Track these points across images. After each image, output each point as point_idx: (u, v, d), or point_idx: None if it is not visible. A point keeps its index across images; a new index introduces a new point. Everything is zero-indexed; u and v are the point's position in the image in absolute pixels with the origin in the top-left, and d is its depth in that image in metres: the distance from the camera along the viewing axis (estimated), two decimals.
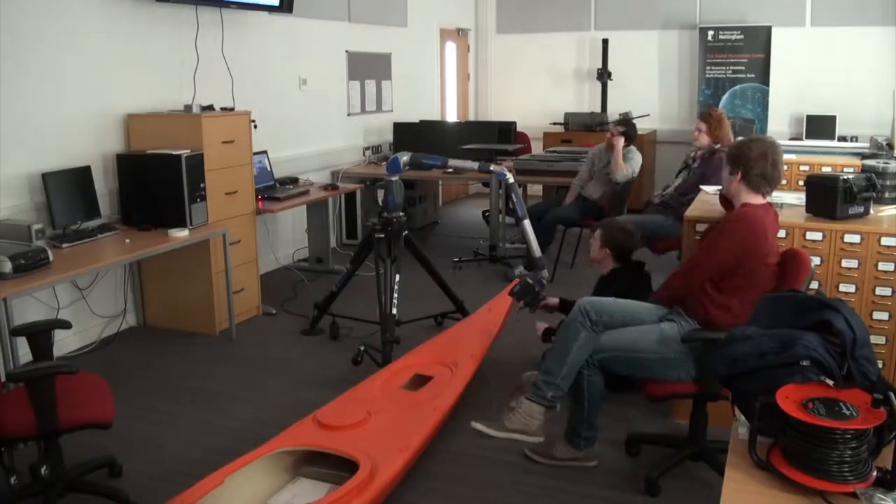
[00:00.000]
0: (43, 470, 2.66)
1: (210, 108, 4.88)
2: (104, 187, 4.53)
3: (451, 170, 6.67)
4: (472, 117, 9.67)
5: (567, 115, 8.66)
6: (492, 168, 4.58)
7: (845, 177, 3.28)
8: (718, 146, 4.94)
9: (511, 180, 4.49)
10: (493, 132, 7.00)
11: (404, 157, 4.40)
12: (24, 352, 3.19)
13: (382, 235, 4.38)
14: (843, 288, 3.25)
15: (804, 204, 3.44)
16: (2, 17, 3.91)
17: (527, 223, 4.41)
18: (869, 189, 3.29)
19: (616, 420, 3.46)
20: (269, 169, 5.65)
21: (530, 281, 3.86)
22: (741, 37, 8.14)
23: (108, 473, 3.07)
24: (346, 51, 6.97)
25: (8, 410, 2.57)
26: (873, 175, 3.38)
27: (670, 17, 8.63)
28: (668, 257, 5.21)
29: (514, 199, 4.45)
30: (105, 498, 2.83)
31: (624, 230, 3.90)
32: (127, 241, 4.11)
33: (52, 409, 2.52)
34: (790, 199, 3.69)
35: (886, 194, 3.56)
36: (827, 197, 3.29)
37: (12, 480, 2.66)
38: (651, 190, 8.90)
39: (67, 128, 4.33)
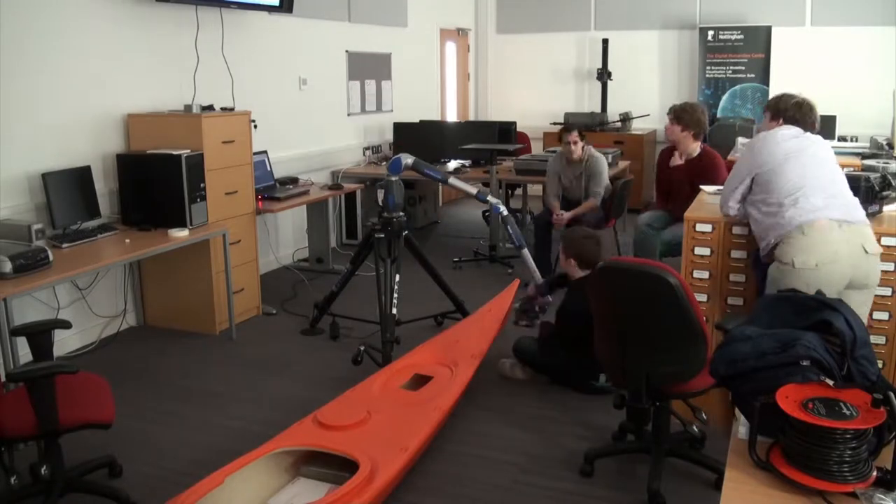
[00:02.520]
0: (43, 470, 2.66)
1: (210, 108, 4.88)
2: (104, 187, 4.54)
3: (452, 170, 6.73)
4: (472, 117, 9.67)
5: (567, 115, 8.65)
6: (489, 199, 4.57)
7: (867, 175, 3.28)
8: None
9: (505, 213, 4.51)
10: (493, 132, 7.00)
11: (408, 160, 4.38)
12: (24, 352, 3.19)
13: (382, 235, 4.38)
14: None
15: None
16: (2, 17, 3.91)
17: (525, 252, 4.45)
18: (886, 188, 3.30)
19: (613, 414, 3.46)
20: (269, 169, 5.65)
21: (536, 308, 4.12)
22: (741, 37, 8.14)
23: (108, 473, 3.07)
24: (346, 51, 6.97)
25: (8, 410, 2.57)
26: (888, 175, 3.38)
27: (670, 17, 8.63)
28: None
29: (511, 231, 4.46)
30: (105, 498, 2.83)
31: (586, 237, 3.87)
32: (127, 241, 4.11)
33: (53, 409, 2.52)
34: None
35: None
36: None
37: (12, 480, 2.65)
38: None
39: (67, 128, 4.33)
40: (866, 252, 2.87)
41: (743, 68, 8.18)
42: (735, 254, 3.34)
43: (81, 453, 3.03)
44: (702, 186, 4.21)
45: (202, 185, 4.46)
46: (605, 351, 2.96)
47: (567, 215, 5.54)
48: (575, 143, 5.59)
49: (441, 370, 3.63)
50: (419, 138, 7.23)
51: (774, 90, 8.07)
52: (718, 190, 4.05)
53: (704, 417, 3.19)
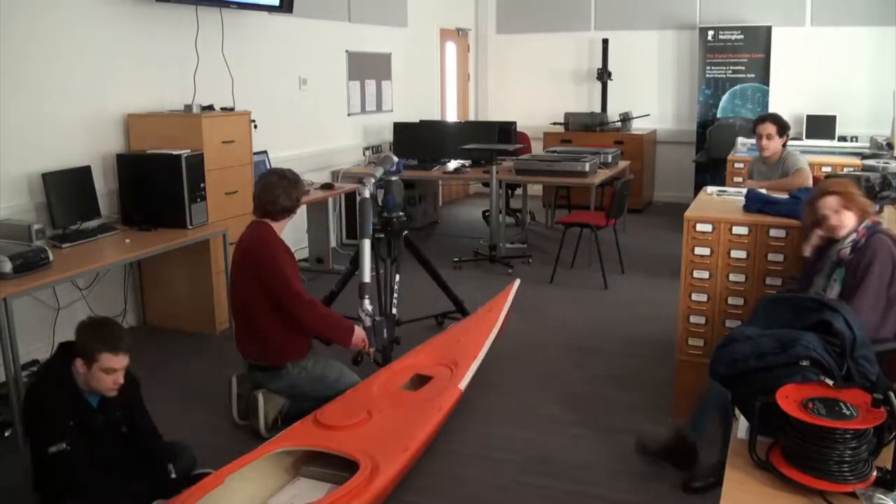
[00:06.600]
0: None
1: (210, 108, 4.88)
2: (104, 187, 4.53)
3: (452, 170, 6.73)
4: (472, 117, 9.67)
5: (567, 115, 8.66)
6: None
7: (867, 176, 3.28)
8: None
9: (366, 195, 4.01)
10: (493, 132, 6.99)
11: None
12: (24, 351, 3.19)
13: (382, 235, 4.38)
14: None
15: None
16: (2, 17, 3.91)
17: (366, 243, 3.86)
18: (886, 188, 3.30)
19: (613, 415, 3.46)
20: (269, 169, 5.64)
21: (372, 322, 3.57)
22: (741, 37, 8.13)
23: None
24: (346, 51, 6.97)
25: None
26: (888, 175, 3.39)
27: (670, 17, 8.63)
28: None
29: (361, 216, 3.93)
30: None
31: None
32: (127, 241, 4.11)
33: None
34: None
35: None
36: None
37: None
38: (652, 190, 8.91)
39: (67, 128, 4.33)
40: None
41: (743, 68, 8.18)
42: (735, 254, 3.34)
43: None
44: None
45: (202, 185, 4.46)
46: None
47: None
48: (769, 136, 4.33)
49: (441, 370, 3.63)
50: (419, 138, 7.24)
51: (774, 90, 8.09)
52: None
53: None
